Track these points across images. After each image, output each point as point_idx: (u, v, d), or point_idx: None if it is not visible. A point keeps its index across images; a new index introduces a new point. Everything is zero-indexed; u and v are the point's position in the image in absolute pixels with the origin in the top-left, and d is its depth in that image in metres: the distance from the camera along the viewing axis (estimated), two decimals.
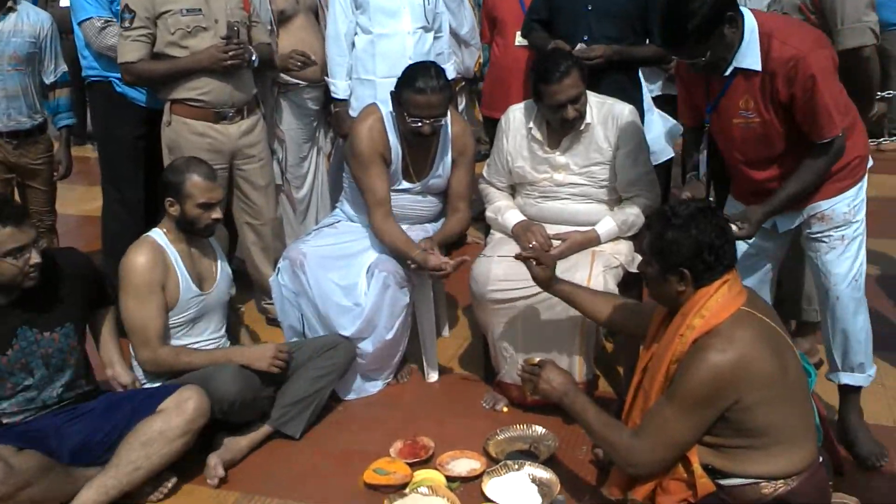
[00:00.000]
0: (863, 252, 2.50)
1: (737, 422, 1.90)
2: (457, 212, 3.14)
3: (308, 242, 3.08)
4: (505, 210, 2.97)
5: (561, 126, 2.83)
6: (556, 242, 2.83)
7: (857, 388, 2.60)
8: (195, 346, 2.72)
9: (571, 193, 2.90)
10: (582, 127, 2.84)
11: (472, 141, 3.22)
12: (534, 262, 2.47)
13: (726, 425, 1.91)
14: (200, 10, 3.08)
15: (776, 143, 2.37)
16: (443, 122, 2.93)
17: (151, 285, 2.59)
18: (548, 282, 2.48)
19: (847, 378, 2.58)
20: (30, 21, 3.27)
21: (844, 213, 2.44)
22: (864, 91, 2.66)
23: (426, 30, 3.59)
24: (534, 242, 2.77)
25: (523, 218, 2.92)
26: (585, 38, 3.15)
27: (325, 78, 3.66)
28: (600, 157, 2.86)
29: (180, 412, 2.40)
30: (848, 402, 2.56)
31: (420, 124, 2.86)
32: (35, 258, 2.29)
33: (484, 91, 4.26)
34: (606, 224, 2.83)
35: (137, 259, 2.59)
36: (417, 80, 2.84)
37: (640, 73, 3.59)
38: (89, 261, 2.66)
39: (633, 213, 2.84)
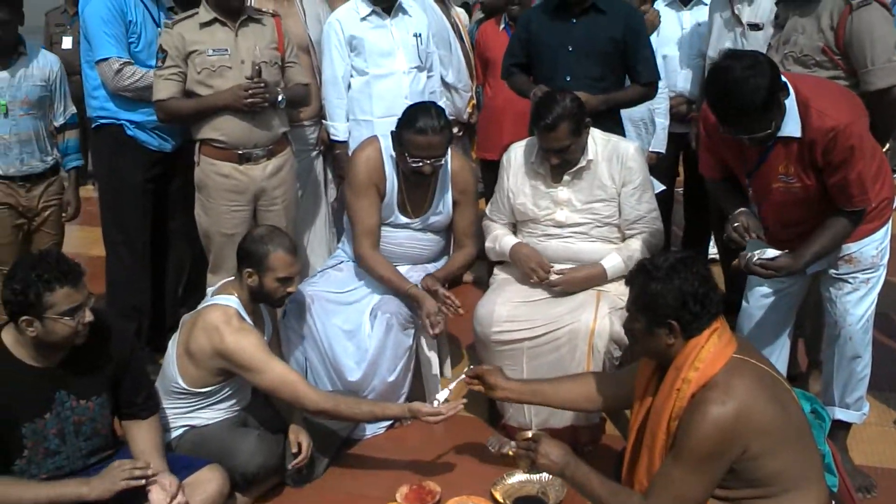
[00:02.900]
0: (876, 294, 2.54)
1: (745, 472, 1.87)
2: (463, 248, 3.15)
3: (315, 285, 3.06)
4: (502, 236, 2.98)
5: (552, 167, 2.86)
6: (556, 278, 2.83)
7: (848, 426, 2.64)
8: (224, 409, 2.66)
9: (574, 232, 2.91)
10: (584, 163, 2.86)
11: (474, 178, 3.24)
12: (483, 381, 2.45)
13: (735, 477, 1.88)
14: (227, 49, 3.11)
15: (815, 205, 2.40)
16: (443, 162, 2.94)
17: (266, 348, 2.56)
18: (506, 398, 2.48)
19: (842, 414, 2.62)
20: (39, 65, 3.28)
21: (873, 255, 2.49)
22: (887, 129, 2.70)
23: (420, 69, 3.65)
24: (535, 279, 2.75)
25: (520, 241, 2.92)
26: (567, 78, 3.18)
27: (324, 121, 3.68)
28: (603, 194, 2.87)
29: (200, 492, 2.35)
30: (836, 438, 2.57)
31: (421, 164, 2.88)
32: (88, 316, 2.21)
33: (478, 133, 4.29)
34: (612, 259, 2.83)
35: (239, 336, 2.52)
36: (418, 120, 2.86)
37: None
38: (135, 348, 2.52)
39: (637, 250, 2.84)
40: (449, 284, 3.31)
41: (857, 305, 2.51)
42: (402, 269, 3.07)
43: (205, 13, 3.12)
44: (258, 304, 2.70)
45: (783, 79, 2.26)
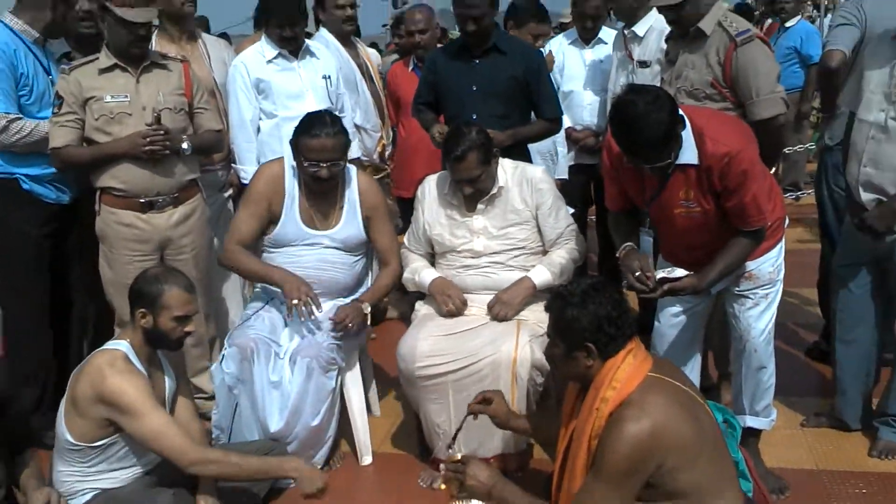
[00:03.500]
0: (776, 308, 2.70)
1: (662, 485, 1.94)
2: (387, 265, 3.14)
3: (254, 328, 2.96)
4: (422, 269, 3.00)
5: (465, 196, 2.93)
6: (478, 309, 2.85)
7: (759, 432, 2.79)
8: (131, 470, 2.54)
9: (491, 262, 2.97)
10: (495, 190, 2.95)
11: (384, 197, 3.25)
12: (486, 407, 2.46)
13: (654, 490, 1.95)
14: (127, 96, 3.05)
15: (714, 229, 2.53)
16: (341, 166, 2.97)
17: (149, 393, 2.43)
18: (505, 419, 2.48)
19: (752, 422, 2.76)
20: None
21: (770, 272, 2.64)
22: (773, 155, 2.89)
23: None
24: (450, 306, 2.79)
25: (440, 276, 2.94)
26: (473, 116, 3.26)
27: (233, 165, 3.64)
28: (517, 218, 2.96)
29: None
30: (748, 444, 2.69)
31: (317, 168, 2.91)
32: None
33: (393, 171, 4.34)
34: (540, 272, 2.88)
35: (121, 378, 2.40)
36: (312, 126, 2.92)
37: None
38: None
39: (562, 257, 2.93)
40: (373, 320, 3.31)
41: (758, 319, 2.66)
42: (320, 298, 2.98)
43: (105, 59, 3.06)
44: (155, 352, 2.58)
45: (679, 111, 2.40)
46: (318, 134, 2.89)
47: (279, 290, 2.99)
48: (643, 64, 3.58)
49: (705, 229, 2.53)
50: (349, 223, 3.08)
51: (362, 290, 3.17)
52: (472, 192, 2.90)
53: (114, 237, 3.12)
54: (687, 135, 2.40)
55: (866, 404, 3.09)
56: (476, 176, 2.86)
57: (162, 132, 3.01)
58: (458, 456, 2.25)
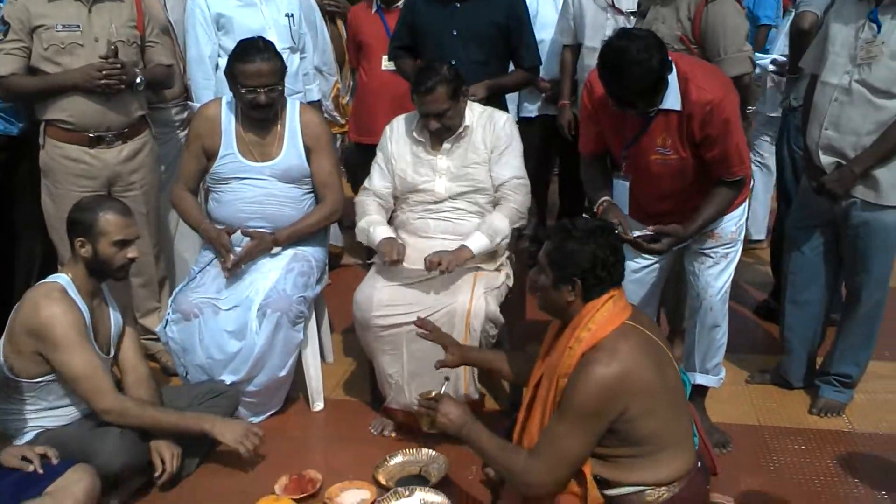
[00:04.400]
0: (734, 268, 2.72)
1: (623, 432, 1.98)
2: (322, 200, 3.09)
3: (199, 291, 2.91)
4: (377, 225, 2.93)
5: (431, 134, 2.89)
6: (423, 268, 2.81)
7: (706, 389, 2.84)
8: (72, 407, 2.50)
9: (453, 206, 2.94)
10: (461, 129, 2.91)
11: (327, 130, 3.20)
12: (445, 351, 2.45)
13: (614, 436, 1.98)
14: (79, 26, 2.92)
15: (689, 177, 2.52)
16: (278, 90, 2.92)
17: (81, 331, 2.38)
18: (462, 359, 2.47)
19: (702, 379, 2.81)
20: None
21: (732, 231, 2.65)
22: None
23: (293, 50, 3.57)
24: (386, 259, 2.77)
25: (392, 235, 2.90)
26: (452, 61, 3.18)
27: (189, 102, 3.52)
28: (476, 158, 2.92)
29: (69, 496, 2.21)
30: (695, 401, 2.74)
31: (255, 94, 2.87)
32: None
33: (352, 117, 4.24)
34: (477, 239, 2.83)
35: (55, 309, 2.35)
36: (247, 52, 2.88)
37: (518, 95, 3.76)
38: None
39: (497, 219, 2.87)
40: (329, 265, 3.27)
41: (717, 278, 2.67)
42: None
43: None
44: (100, 286, 2.53)
45: (668, 57, 2.36)
46: (253, 59, 2.84)
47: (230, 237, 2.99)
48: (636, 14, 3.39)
49: (679, 177, 2.52)
50: (290, 153, 3.01)
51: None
52: (438, 127, 2.85)
53: (60, 172, 3.02)
54: (672, 80, 2.38)
55: (810, 363, 3.17)
56: (443, 110, 2.82)
57: (118, 66, 2.90)
58: (433, 393, 2.26)
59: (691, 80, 2.38)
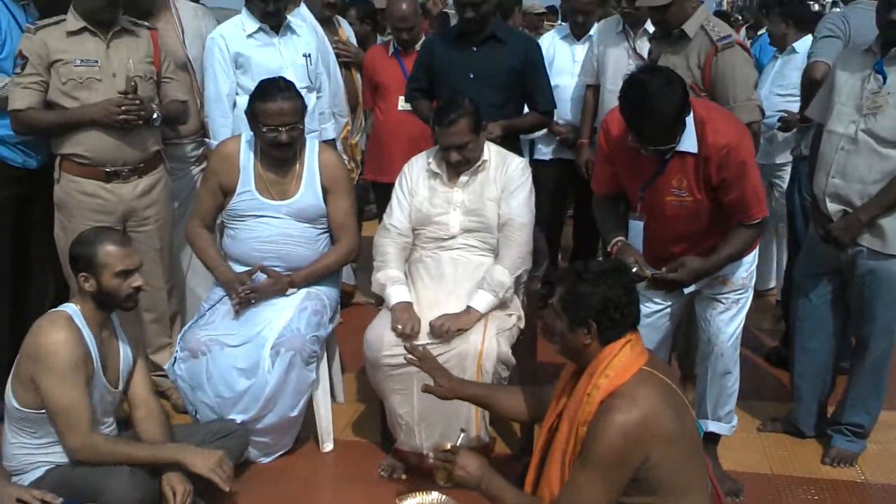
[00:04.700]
0: (745, 314, 2.73)
1: (643, 480, 1.96)
2: (338, 242, 3.10)
3: (208, 329, 2.91)
4: (393, 283, 2.91)
5: (449, 167, 2.93)
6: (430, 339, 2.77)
7: (718, 437, 2.83)
8: None
9: (464, 244, 2.96)
10: (479, 164, 2.95)
11: (346, 172, 3.22)
12: (433, 380, 2.44)
13: (636, 485, 1.96)
14: (97, 61, 2.96)
15: (703, 220, 2.55)
16: (299, 129, 2.95)
17: (77, 364, 2.36)
18: (454, 389, 2.45)
19: (714, 426, 2.80)
20: None
21: (743, 277, 2.67)
22: None
23: (309, 90, 3.61)
24: (399, 327, 2.75)
25: (408, 300, 2.87)
26: None
27: (206, 140, 3.57)
28: (490, 195, 2.96)
29: None
30: (707, 449, 2.72)
31: (276, 133, 2.90)
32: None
33: (368, 156, 4.29)
34: (482, 298, 2.82)
35: (57, 336, 2.34)
36: (268, 91, 2.91)
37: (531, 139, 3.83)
38: None
39: (498, 272, 2.86)
40: (340, 304, 3.28)
41: (728, 324, 2.68)
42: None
43: (73, 21, 2.96)
44: (109, 319, 2.53)
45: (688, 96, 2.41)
46: (274, 98, 2.88)
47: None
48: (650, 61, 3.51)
49: (693, 220, 2.54)
50: (307, 193, 3.03)
51: None
52: (458, 159, 2.88)
53: (74, 206, 3.04)
54: (689, 122, 2.41)
55: (821, 412, 3.15)
56: (465, 142, 2.86)
57: (137, 101, 2.94)
58: (448, 445, 2.21)
59: (708, 124, 2.42)
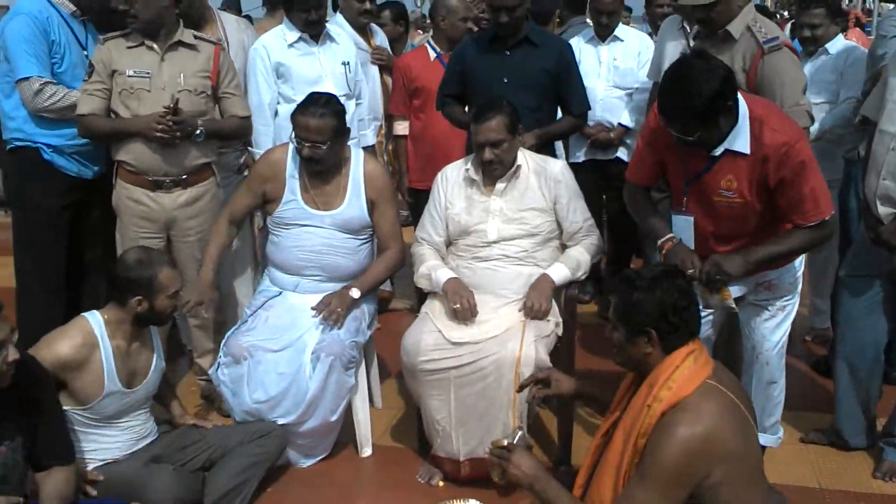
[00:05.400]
0: (791, 321, 2.65)
1: (703, 498, 1.88)
2: (385, 251, 3.13)
3: (250, 335, 2.95)
4: (438, 268, 2.95)
5: (482, 166, 2.92)
6: (489, 314, 2.81)
7: (763, 449, 2.70)
8: (115, 439, 2.54)
9: (500, 253, 2.93)
10: (514, 168, 2.93)
11: (390, 182, 3.25)
12: (546, 386, 2.39)
13: (694, 503, 1.89)
14: (149, 73, 3.05)
15: (751, 222, 2.47)
16: (322, 149, 2.94)
17: (67, 366, 2.41)
18: (573, 392, 2.41)
19: (760, 438, 2.67)
20: None
21: (790, 283, 2.59)
22: None
23: (348, 97, 3.65)
24: (457, 306, 2.77)
25: (456, 276, 2.91)
26: None
27: (249, 149, 3.62)
28: (535, 204, 2.94)
29: None
30: None
31: (300, 145, 2.94)
32: (12, 354, 2.05)
33: (410, 162, 4.26)
34: (558, 270, 2.86)
35: (62, 345, 2.40)
36: (306, 104, 2.95)
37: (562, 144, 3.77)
38: (54, 394, 2.36)
39: (578, 252, 2.93)
40: (378, 309, 3.29)
41: (773, 332, 2.61)
42: (323, 284, 3.02)
43: (135, 35, 3.08)
44: (144, 330, 2.59)
45: (738, 96, 2.32)
46: (304, 112, 2.92)
47: (285, 281, 3.07)
48: None
49: (740, 221, 2.47)
50: (352, 204, 3.06)
51: None
52: (492, 158, 2.86)
53: (124, 211, 3.16)
54: (743, 122, 2.34)
55: (870, 423, 3.04)
56: (499, 140, 2.85)
57: (175, 121, 2.99)
58: (505, 442, 2.16)
59: (766, 124, 2.34)
